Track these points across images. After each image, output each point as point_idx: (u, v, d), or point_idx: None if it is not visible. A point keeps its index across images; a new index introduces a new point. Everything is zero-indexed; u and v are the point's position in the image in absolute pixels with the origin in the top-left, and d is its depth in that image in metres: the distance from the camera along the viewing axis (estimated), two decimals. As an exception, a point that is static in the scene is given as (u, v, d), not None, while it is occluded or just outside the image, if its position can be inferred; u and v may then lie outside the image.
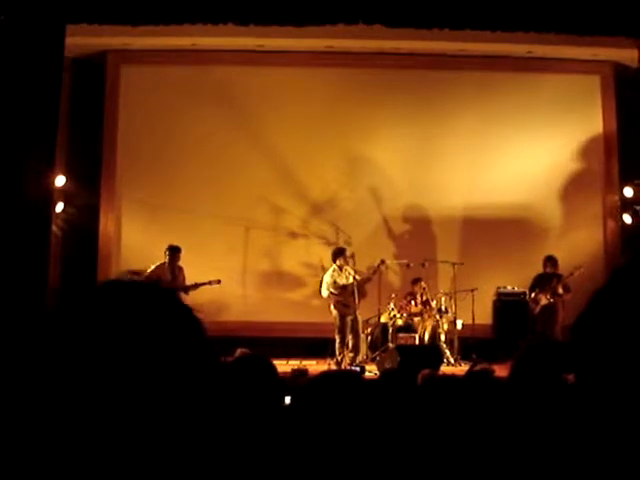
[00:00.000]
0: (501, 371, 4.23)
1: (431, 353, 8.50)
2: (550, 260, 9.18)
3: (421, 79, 10.34)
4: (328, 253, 9.20)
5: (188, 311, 0.85)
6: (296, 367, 8.02)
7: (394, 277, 9.99)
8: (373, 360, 8.82)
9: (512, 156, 10.16)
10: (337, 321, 8.70)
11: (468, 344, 9.09)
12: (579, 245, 9.98)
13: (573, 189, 10.23)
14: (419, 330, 9.14)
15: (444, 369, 8.04)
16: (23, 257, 7.45)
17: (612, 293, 0.93)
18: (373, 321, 9.22)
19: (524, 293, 9.38)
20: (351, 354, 8.68)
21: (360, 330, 8.80)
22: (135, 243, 9.86)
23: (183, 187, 10.00)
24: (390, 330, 8.93)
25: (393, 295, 9.29)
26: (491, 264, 9.85)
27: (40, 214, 7.90)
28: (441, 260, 9.59)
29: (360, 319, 8.78)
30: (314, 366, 8.38)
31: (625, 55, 9.41)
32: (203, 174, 10.05)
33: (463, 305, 9.07)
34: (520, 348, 2.62)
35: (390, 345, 8.71)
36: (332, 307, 8.74)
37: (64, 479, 0.74)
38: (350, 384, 1.48)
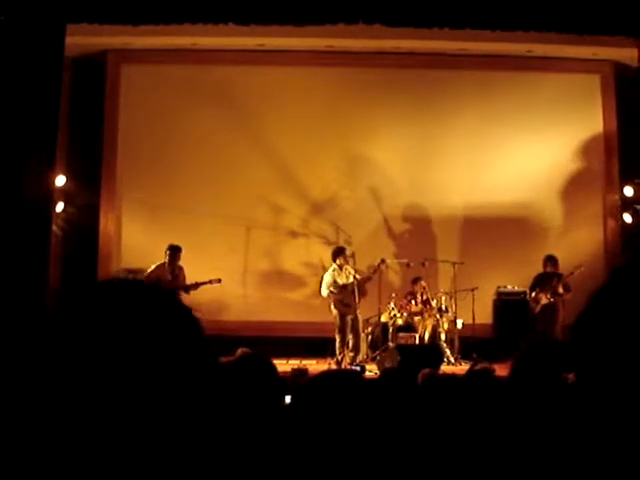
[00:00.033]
0: (501, 370, 4.24)
1: (431, 352, 8.49)
2: (550, 259, 9.18)
3: (421, 78, 10.33)
4: (328, 252, 9.20)
5: (187, 311, 0.85)
6: (296, 367, 8.00)
7: (394, 276, 9.99)
8: (373, 359, 8.81)
9: (512, 155, 10.16)
10: (337, 320, 8.70)
11: (468, 343, 9.09)
12: (579, 244, 9.97)
13: (573, 188, 10.23)
14: (419, 329, 9.14)
15: (444, 368, 8.04)
16: (23, 257, 7.44)
17: (612, 292, 0.93)
18: (373, 320, 9.21)
19: (524, 292, 9.38)
20: (351, 353, 8.68)
21: (360, 329, 8.80)
22: (135, 243, 9.85)
23: (183, 187, 10.00)
24: (390, 329, 8.94)
25: (393, 294, 9.28)
26: (491, 263, 9.84)
27: (40, 214, 7.89)
28: (441, 259, 9.59)
29: (360, 318, 8.79)
30: (314, 365, 8.37)
31: (625, 54, 9.39)
32: (203, 174, 10.05)
33: (463, 304, 9.07)
34: (520, 347, 2.62)
35: (390, 344, 8.71)
36: (332, 306, 8.74)
37: (64, 479, 0.74)
38: (350, 384, 1.48)
